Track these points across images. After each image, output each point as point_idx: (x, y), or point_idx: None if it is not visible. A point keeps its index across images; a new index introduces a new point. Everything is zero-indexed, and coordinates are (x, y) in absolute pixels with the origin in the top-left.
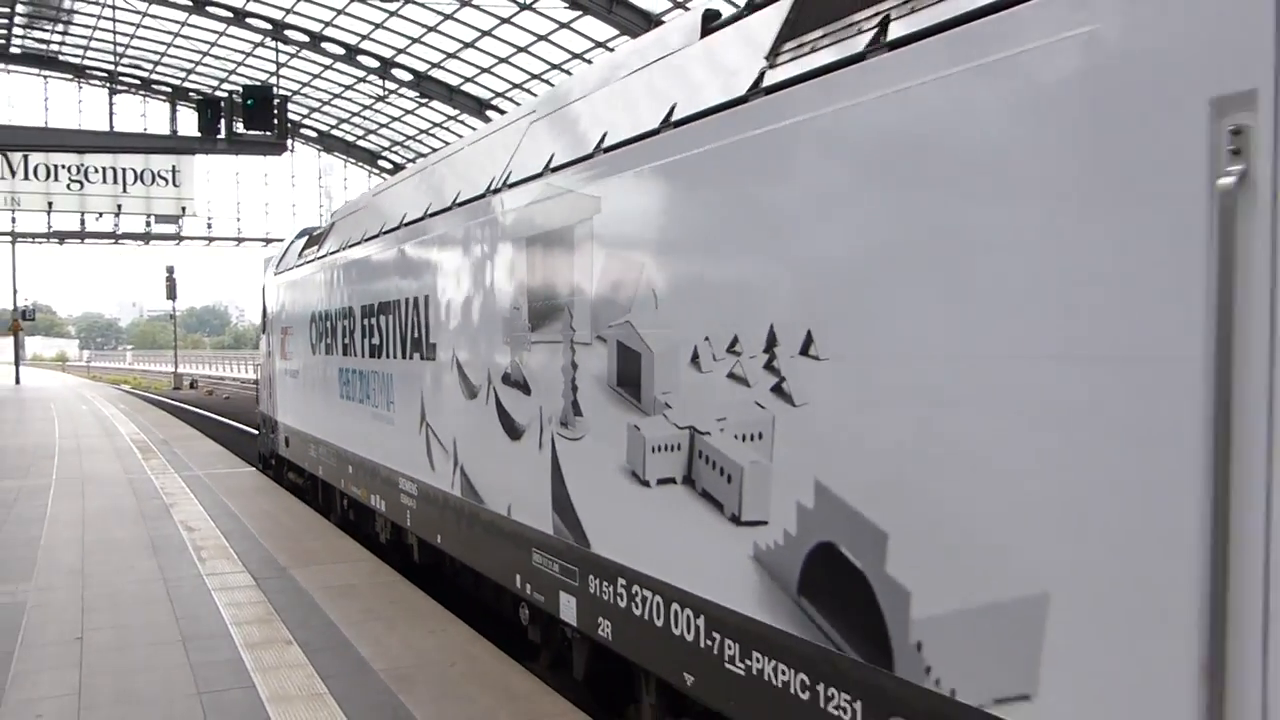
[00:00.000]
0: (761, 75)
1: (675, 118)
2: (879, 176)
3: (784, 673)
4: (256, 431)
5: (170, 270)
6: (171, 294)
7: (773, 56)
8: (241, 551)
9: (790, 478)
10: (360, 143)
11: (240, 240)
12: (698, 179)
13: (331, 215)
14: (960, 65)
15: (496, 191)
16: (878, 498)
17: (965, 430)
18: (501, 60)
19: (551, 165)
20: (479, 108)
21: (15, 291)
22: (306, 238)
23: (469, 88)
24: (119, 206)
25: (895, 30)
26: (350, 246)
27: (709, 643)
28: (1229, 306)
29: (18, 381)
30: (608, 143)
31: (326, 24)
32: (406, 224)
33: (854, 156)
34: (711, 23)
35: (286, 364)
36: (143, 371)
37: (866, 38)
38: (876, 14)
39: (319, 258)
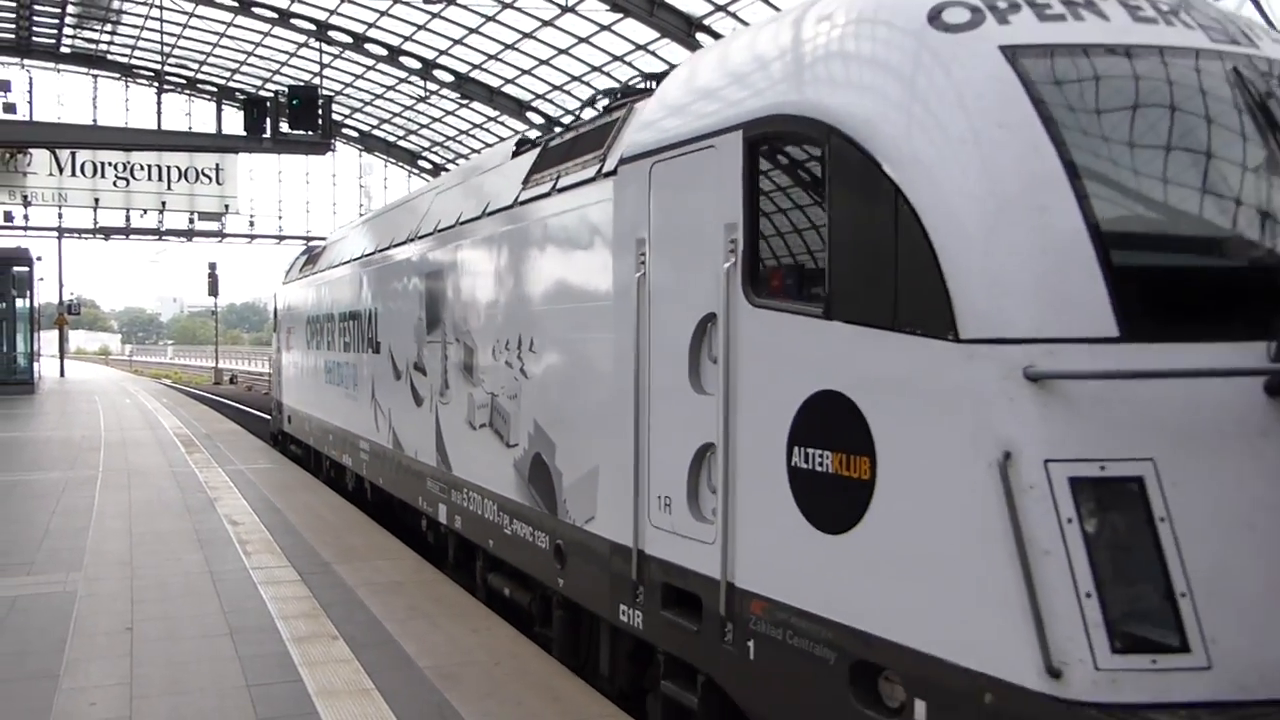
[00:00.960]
0: (518, 195)
1: (488, 210)
2: (553, 253)
3: (523, 529)
4: (269, 416)
5: (212, 267)
6: (213, 290)
7: (523, 185)
8: (285, 546)
9: (526, 418)
10: (401, 143)
11: (281, 238)
12: (494, 247)
13: (324, 240)
14: (569, 207)
15: (411, 240)
16: (553, 426)
17: (577, 390)
18: (542, 62)
19: (437, 228)
20: (519, 109)
21: (61, 286)
22: (306, 256)
23: (509, 89)
24: (163, 203)
25: (562, 183)
26: (331, 268)
27: (498, 520)
28: (647, 322)
29: (62, 374)
30: (463, 218)
31: (370, 25)
32: (364, 255)
33: (545, 242)
34: (520, 148)
35: (289, 357)
36: (183, 366)
37: (549, 185)
38: (556, 174)
39: (313, 274)
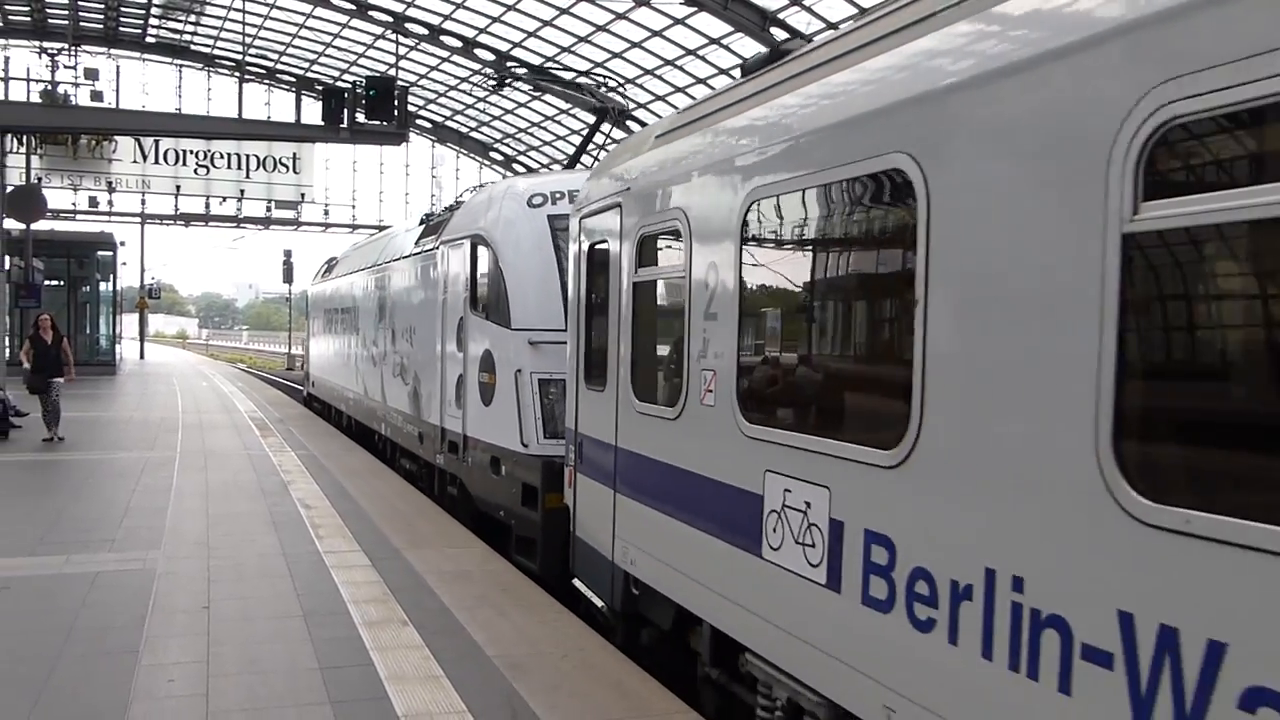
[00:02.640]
0: (413, 248)
1: (403, 254)
2: (421, 280)
3: (409, 427)
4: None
5: (287, 254)
6: (288, 277)
7: (414, 244)
8: (357, 531)
9: (410, 370)
10: (473, 134)
11: (355, 227)
12: (403, 273)
13: (336, 257)
14: (427, 258)
15: (372, 266)
16: (418, 373)
17: (424, 354)
18: (615, 55)
19: (382, 260)
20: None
21: (142, 270)
22: (325, 266)
23: (582, 82)
24: (241, 191)
25: (426, 246)
26: (336, 277)
27: (402, 425)
28: (443, 319)
29: (142, 356)
30: (394, 256)
31: (446, 17)
32: (351, 271)
33: (419, 273)
34: (421, 224)
35: (312, 340)
36: (257, 351)
37: (425, 245)
38: (426, 241)
39: (326, 280)
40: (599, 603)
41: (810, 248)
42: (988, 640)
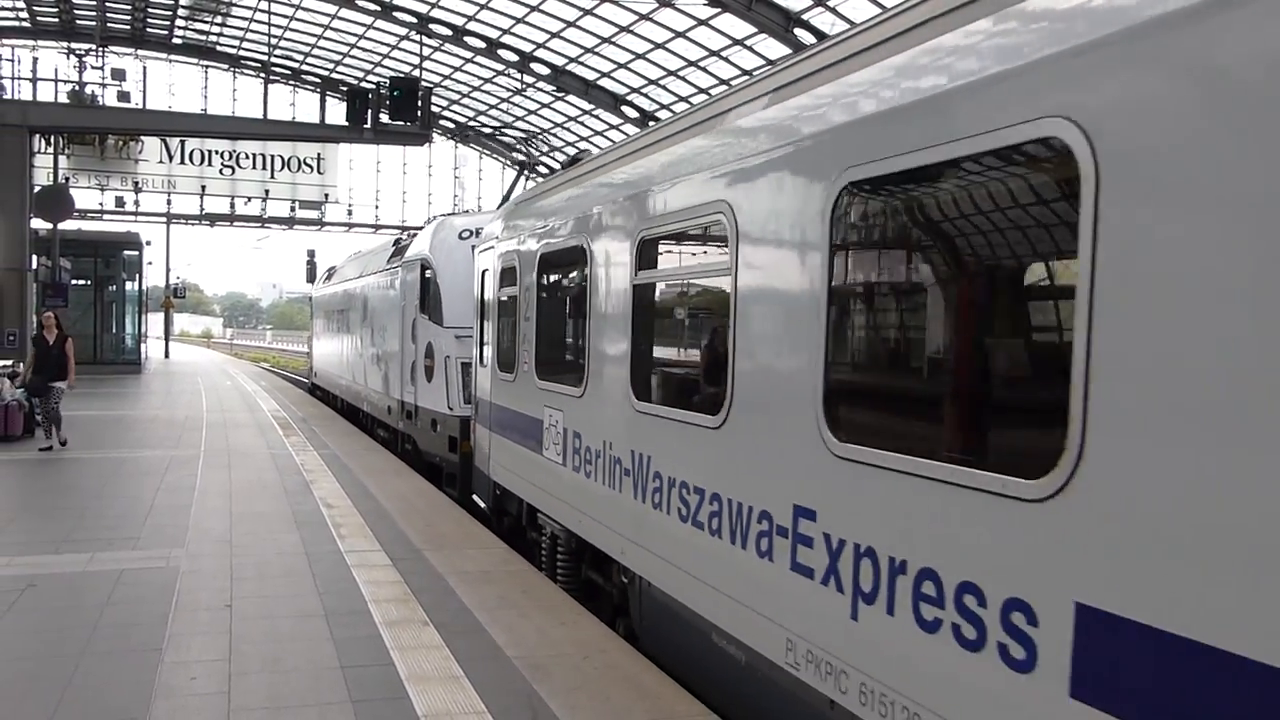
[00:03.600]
0: (384, 264)
1: (379, 269)
2: (388, 290)
3: (383, 401)
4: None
5: (311, 254)
6: (311, 277)
7: (386, 261)
8: (378, 531)
9: (383, 358)
10: (497, 135)
11: (378, 227)
12: (378, 285)
13: (335, 265)
14: (395, 273)
15: (358, 276)
16: (387, 360)
17: (393, 346)
18: (638, 56)
19: (365, 272)
20: (614, 103)
21: (168, 270)
22: (326, 273)
23: (605, 83)
24: (266, 192)
25: (393, 264)
26: (334, 284)
27: (378, 401)
28: (402, 319)
29: (167, 355)
30: (372, 270)
31: (469, 18)
32: (343, 280)
33: (387, 287)
34: (394, 246)
35: (315, 336)
36: (280, 350)
37: (392, 263)
38: (392, 260)
39: (326, 286)
40: (483, 505)
41: (563, 272)
42: (641, 489)
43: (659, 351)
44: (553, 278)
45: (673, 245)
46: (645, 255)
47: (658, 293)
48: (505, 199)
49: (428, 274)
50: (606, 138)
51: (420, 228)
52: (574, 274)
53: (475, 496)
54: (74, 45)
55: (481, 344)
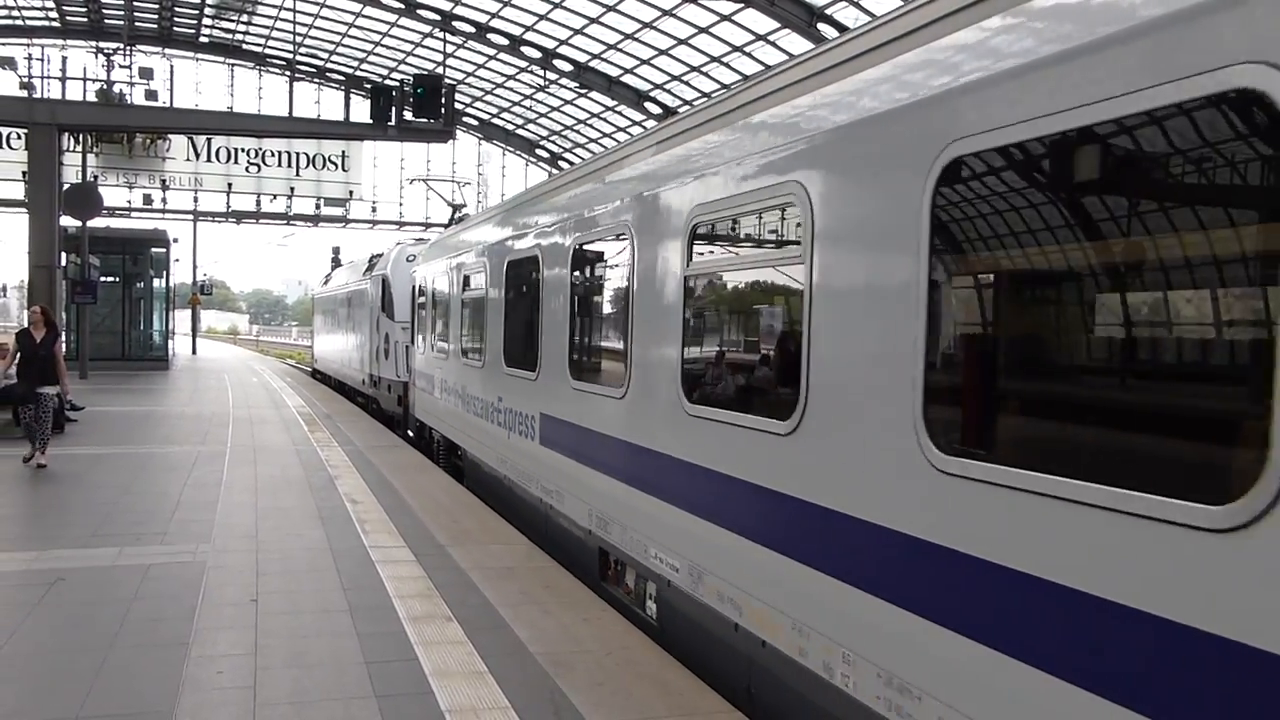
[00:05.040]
0: (361, 277)
1: (356, 281)
2: (366, 295)
3: (358, 375)
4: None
5: (335, 251)
6: None
7: (361, 274)
8: (402, 527)
9: (361, 347)
10: (519, 131)
11: (401, 224)
12: (356, 292)
13: (331, 272)
14: (370, 283)
15: (346, 285)
16: (361, 346)
17: (365, 333)
18: (662, 52)
19: (348, 282)
20: (637, 99)
21: (195, 267)
22: (325, 277)
23: (628, 79)
24: (291, 189)
25: (365, 277)
26: (331, 287)
27: (356, 374)
28: (369, 315)
29: (194, 352)
30: (352, 281)
31: (493, 15)
32: (336, 286)
33: (362, 293)
34: (369, 262)
35: (316, 329)
36: (305, 346)
37: (366, 275)
38: (365, 273)
39: (324, 287)
40: (410, 433)
41: (449, 287)
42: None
43: (490, 337)
44: (441, 290)
45: (511, 274)
46: (503, 275)
47: (490, 300)
48: (447, 225)
49: (387, 285)
50: (628, 133)
51: (422, 236)
52: (459, 288)
53: (409, 431)
54: (102, 44)
55: (414, 333)
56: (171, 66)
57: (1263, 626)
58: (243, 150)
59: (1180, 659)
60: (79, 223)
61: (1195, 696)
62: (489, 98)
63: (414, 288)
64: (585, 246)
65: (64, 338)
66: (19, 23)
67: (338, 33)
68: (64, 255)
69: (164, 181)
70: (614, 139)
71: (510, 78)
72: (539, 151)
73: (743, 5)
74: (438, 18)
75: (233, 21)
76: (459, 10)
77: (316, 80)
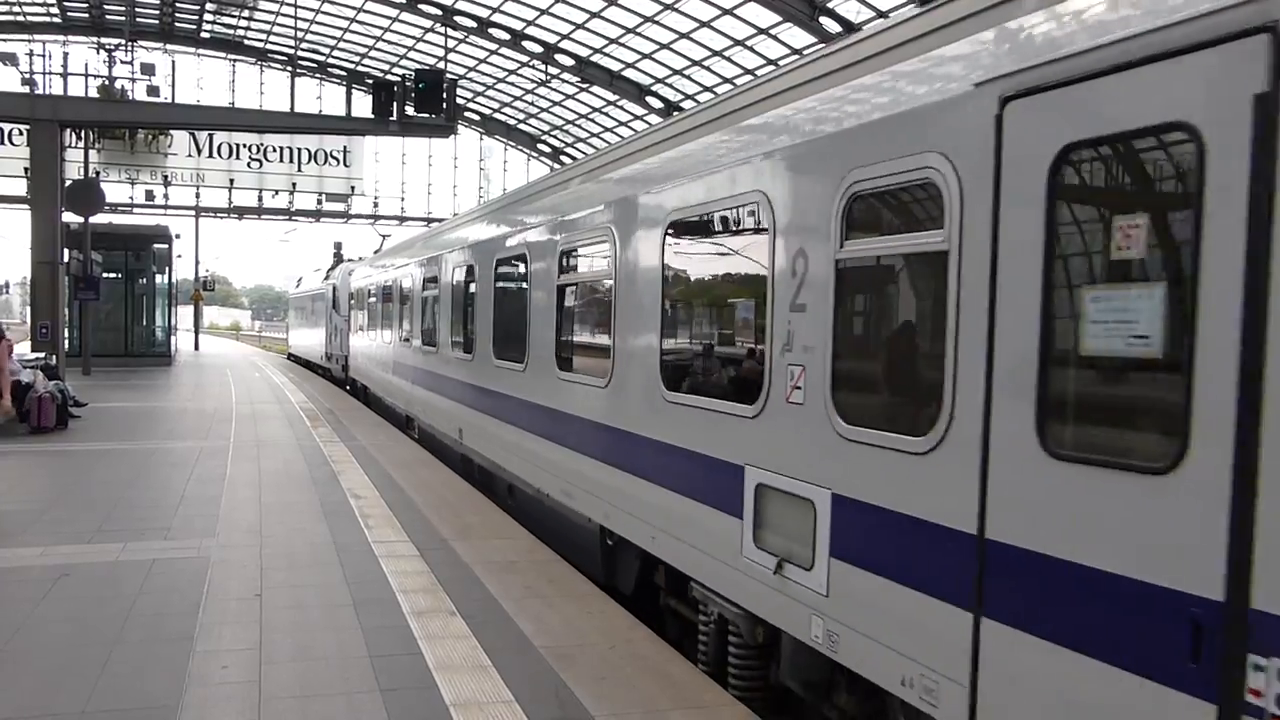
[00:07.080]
0: (322, 283)
1: (319, 285)
2: (326, 298)
3: (321, 355)
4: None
5: (338, 246)
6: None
7: (323, 279)
8: (405, 521)
9: (324, 335)
10: (521, 126)
11: (403, 220)
12: (320, 294)
13: (302, 277)
14: (328, 288)
15: (311, 288)
16: (332, 336)
17: (336, 325)
18: (663, 46)
19: (315, 286)
20: (639, 93)
21: (197, 263)
22: (297, 281)
23: (630, 73)
24: (293, 185)
25: (324, 282)
26: (300, 289)
27: (319, 354)
28: (328, 311)
29: (197, 348)
30: (318, 285)
31: (494, 9)
32: (304, 289)
33: (321, 295)
34: (333, 263)
35: (291, 323)
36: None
37: (325, 280)
38: (324, 279)
39: (296, 290)
40: (347, 390)
41: (380, 292)
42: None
43: (405, 326)
44: (372, 294)
45: (430, 277)
46: (425, 279)
47: (404, 300)
48: (377, 251)
49: (336, 289)
50: (631, 128)
51: (421, 231)
52: (388, 292)
53: (348, 387)
54: (104, 40)
55: (349, 323)
56: (173, 62)
57: (936, 507)
58: (244, 146)
59: (894, 528)
60: (81, 219)
61: (901, 549)
62: (491, 92)
63: (349, 293)
64: (504, 260)
65: (15, 345)
66: (20, 19)
67: (339, 28)
68: (66, 251)
69: (166, 177)
70: (616, 134)
71: (512, 72)
72: (540, 146)
73: (740, 3)
74: (439, 12)
75: (234, 17)
76: (460, 5)
77: (318, 76)
